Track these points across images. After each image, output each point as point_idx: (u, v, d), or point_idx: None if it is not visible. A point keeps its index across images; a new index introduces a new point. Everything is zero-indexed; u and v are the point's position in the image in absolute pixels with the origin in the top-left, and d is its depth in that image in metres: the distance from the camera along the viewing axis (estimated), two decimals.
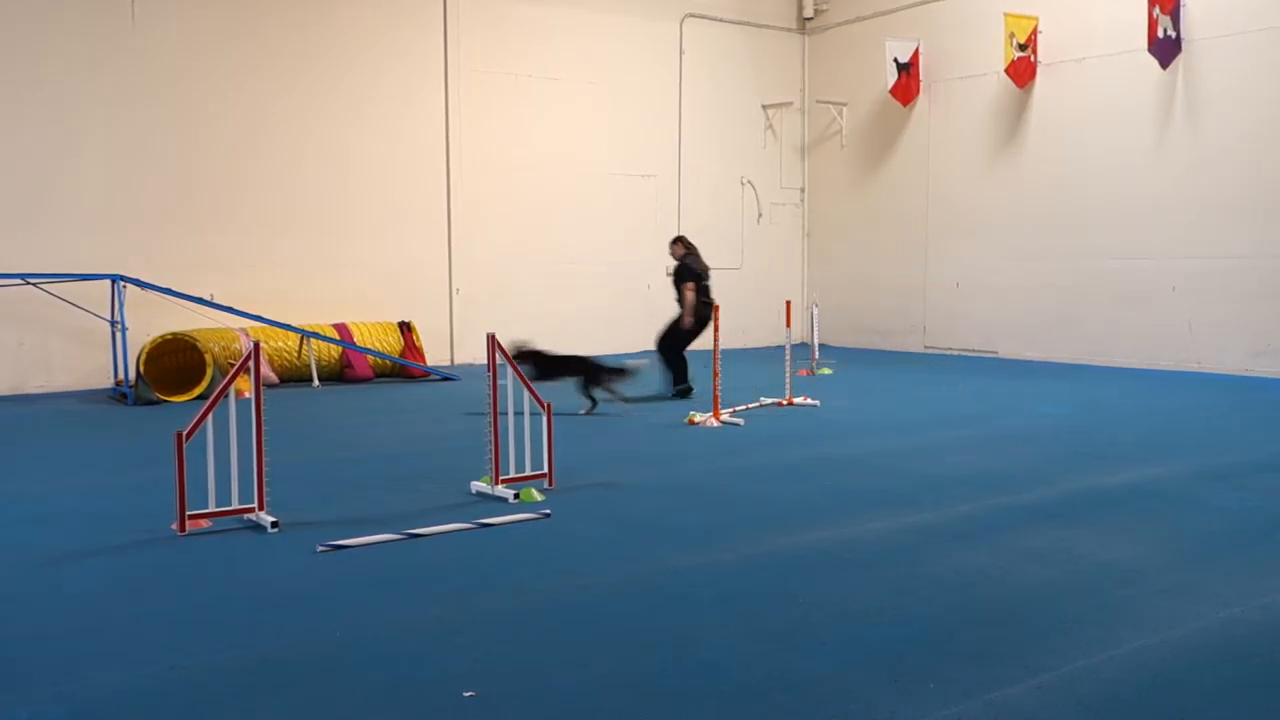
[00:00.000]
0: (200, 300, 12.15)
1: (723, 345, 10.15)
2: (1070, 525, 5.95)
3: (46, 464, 8.09)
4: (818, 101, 18.23)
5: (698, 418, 9.63)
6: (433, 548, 5.59)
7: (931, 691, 3.69)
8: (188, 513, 5.82)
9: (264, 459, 5.96)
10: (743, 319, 16.87)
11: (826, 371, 13.60)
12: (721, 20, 17.40)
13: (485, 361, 6.66)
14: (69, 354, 12.35)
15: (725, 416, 9.66)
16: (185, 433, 5.69)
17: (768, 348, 16.84)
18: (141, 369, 11.23)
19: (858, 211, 17.80)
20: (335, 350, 12.93)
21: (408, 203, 14.63)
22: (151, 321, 12.11)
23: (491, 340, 6.57)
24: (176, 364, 11.98)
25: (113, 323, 11.83)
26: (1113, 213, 14.29)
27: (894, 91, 16.55)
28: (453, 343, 15.04)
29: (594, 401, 10.23)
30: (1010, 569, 5.15)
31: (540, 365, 9.94)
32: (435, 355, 14.51)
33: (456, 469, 7.37)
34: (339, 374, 13.01)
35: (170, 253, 12.80)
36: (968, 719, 3.49)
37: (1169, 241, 13.74)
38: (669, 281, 11.69)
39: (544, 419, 6.91)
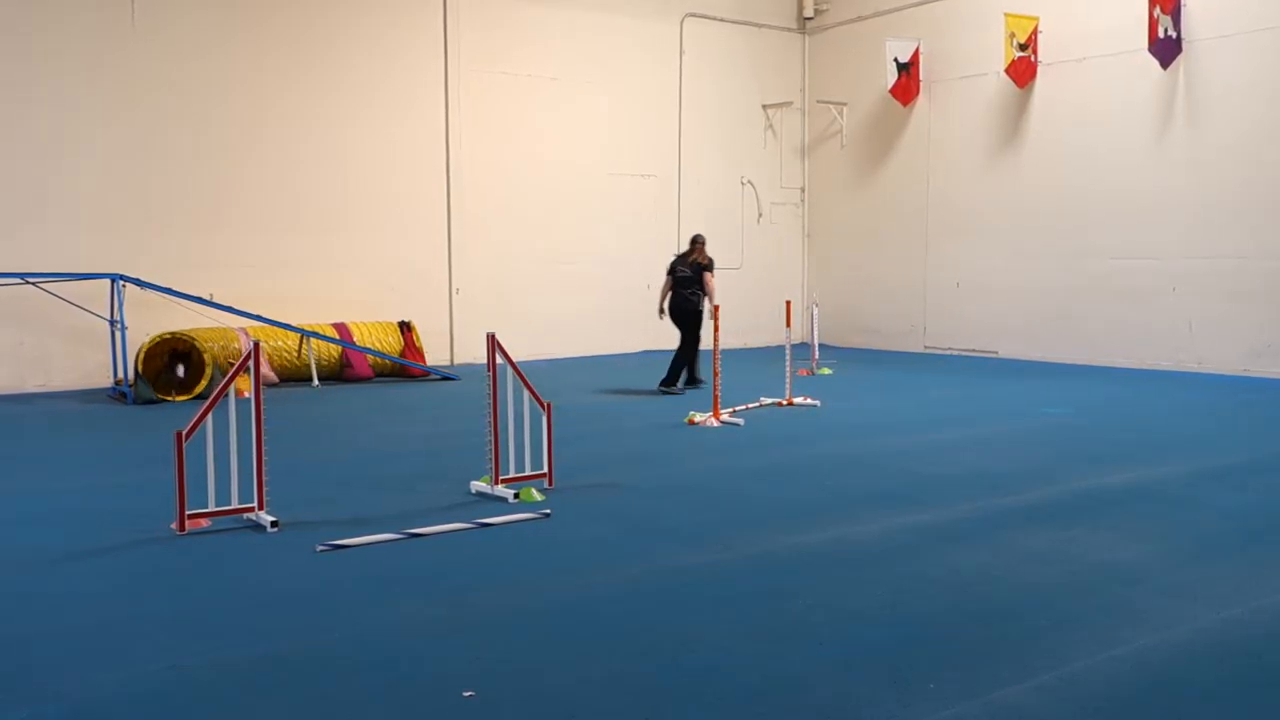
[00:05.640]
0: (200, 300, 12.15)
1: (723, 345, 10.16)
2: (1070, 525, 5.95)
3: (46, 464, 8.08)
4: (818, 101, 18.23)
5: (698, 418, 9.63)
6: (432, 547, 5.58)
7: (931, 691, 3.69)
8: (187, 512, 5.82)
9: (263, 458, 5.95)
10: (743, 319, 16.86)
11: (826, 372, 13.60)
12: (721, 20, 17.39)
13: (485, 361, 6.66)
14: (68, 353, 12.34)
15: (725, 416, 9.66)
16: (185, 432, 5.69)
17: (768, 348, 16.83)
18: (140, 368, 11.23)
19: (858, 211, 17.79)
20: (335, 350, 12.92)
21: (408, 202, 14.63)
22: (151, 321, 12.10)
23: (491, 340, 6.57)
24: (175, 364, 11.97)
25: (112, 322, 11.82)
26: (1113, 213, 14.29)
27: (894, 91, 16.54)
28: (452, 342, 15.04)
29: None
30: (1010, 569, 5.15)
31: None
32: (435, 355, 14.50)
33: (456, 469, 7.36)
34: (339, 373, 13.01)
35: (170, 252, 12.79)
36: (968, 719, 3.49)
37: (1169, 241, 13.73)
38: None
39: (544, 419, 6.91)
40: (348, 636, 4.28)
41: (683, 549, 5.53)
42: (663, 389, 11.68)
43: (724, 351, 10.34)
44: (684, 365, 11.92)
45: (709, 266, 11.83)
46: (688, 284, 11.80)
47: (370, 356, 13.01)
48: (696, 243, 11.96)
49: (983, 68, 15.65)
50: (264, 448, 5.94)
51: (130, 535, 5.79)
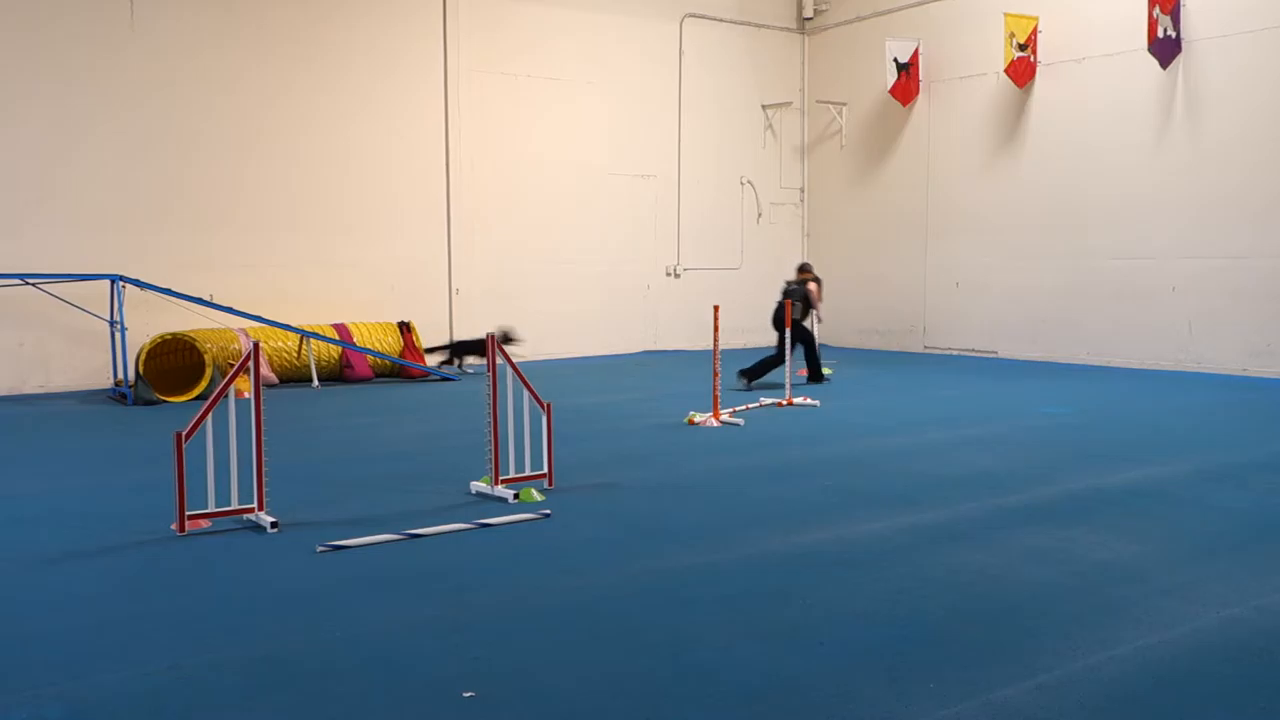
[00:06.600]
0: (199, 300, 12.15)
1: (723, 346, 10.16)
2: (1070, 525, 5.94)
3: (46, 464, 8.08)
4: (817, 101, 18.23)
5: (697, 418, 9.63)
6: (432, 548, 5.58)
7: (931, 691, 3.69)
8: (187, 513, 5.82)
9: (263, 459, 5.95)
10: (742, 319, 16.85)
11: (826, 372, 13.58)
12: (721, 20, 17.40)
13: (484, 362, 6.66)
14: (68, 354, 12.34)
15: (725, 416, 9.66)
16: (185, 433, 5.69)
17: (768, 348, 16.81)
18: (140, 369, 11.23)
19: (858, 211, 17.80)
20: (335, 350, 12.92)
21: (407, 203, 14.63)
22: (151, 321, 12.11)
23: (491, 340, 6.58)
24: (176, 364, 11.98)
25: (112, 323, 11.83)
26: (1113, 213, 14.29)
27: (894, 91, 16.54)
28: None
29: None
30: (1010, 569, 5.15)
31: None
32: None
33: (456, 469, 7.37)
34: (338, 374, 13.01)
35: (170, 253, 12.80)
36: (967, 719, 3.49)
37: (1169, 241, 13.73)
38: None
39: (544, 419, 6.91)
40: (348, 636, 4.28)
41: (682, 549, 5.53)
42: (742, 377, 11.88)
43: (725, 351, 10.34)
44: (773, 364, 12.06)
45: (815, 279, 12.90)
46: (796, 297, 12.51)
47: (370, 357, 13.01)
48: (803, 270, 13.10)
49: (982, 68, 15.65)
50: (264, 448, 5.94)
51: (130, 535, 5.79)
